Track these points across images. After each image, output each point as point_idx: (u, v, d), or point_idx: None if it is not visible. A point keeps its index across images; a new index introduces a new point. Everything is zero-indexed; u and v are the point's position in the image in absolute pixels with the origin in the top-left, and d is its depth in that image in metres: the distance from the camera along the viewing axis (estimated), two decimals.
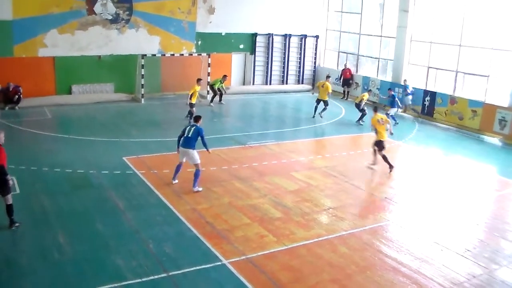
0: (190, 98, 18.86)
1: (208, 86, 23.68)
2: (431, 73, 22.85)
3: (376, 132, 14.79)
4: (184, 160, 12.70)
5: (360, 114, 20.76)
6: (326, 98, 20.93)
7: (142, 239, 9.89)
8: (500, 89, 19.99)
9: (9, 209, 9.90)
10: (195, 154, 12.47)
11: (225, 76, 23.36)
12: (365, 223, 11.17)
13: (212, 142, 16.67)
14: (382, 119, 14.91)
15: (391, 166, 14.61)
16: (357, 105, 20.84)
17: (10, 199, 9.86)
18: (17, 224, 9.95)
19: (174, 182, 12.89)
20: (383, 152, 14.57)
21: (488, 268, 9.49)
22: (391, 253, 9.86)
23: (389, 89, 21.58)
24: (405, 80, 23.09)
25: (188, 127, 12.71)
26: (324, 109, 21.09)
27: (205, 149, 12.75)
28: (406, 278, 8.93)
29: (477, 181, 14.81)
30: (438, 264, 9.48)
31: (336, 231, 10.70)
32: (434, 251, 10.00)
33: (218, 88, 23.17)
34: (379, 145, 14.62)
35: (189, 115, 18.78)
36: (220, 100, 23.44)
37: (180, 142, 12.56)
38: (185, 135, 12.49)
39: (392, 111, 20.70)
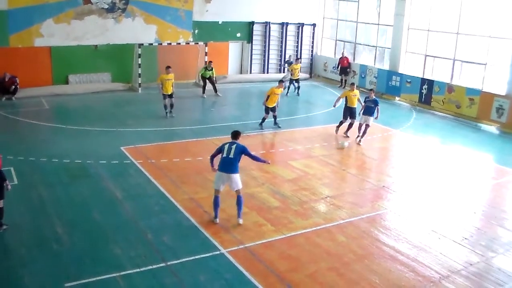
0: (162, 89, 18.06)
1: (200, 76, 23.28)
2: (428, 61, 22.78)
3: (268, 99, 17.07)
4: (222, 188, 10.20)
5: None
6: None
7: (140, 229, 9.90)
8: (497, 77, 19.95)
9: (0, 212, 9.63)
10: (239, 178, 10.17)
11: (210, 62, 22.52)
12: (363, 212, 11.19)
13: (208, 131, 16.86)
14: (278, 94, 17.31)
15: (262, 122, 17.48)
16: (351, 109, 17.31)
17: (1, 203, 9.55)
18: (4, 227, 9.62)
19: (216, 221, 10.22)
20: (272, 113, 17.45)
21: (485, 256, 9.54)
22: (388, 241, 9.89)
23: (371, 90, 17.74)
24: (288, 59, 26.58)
25: (227, 145, 10.16)
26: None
27: (263, 162, 10.94)
28: (403, 266, 8.98)
29: (474, 169, 14.82)
30: (436, 252, 9.52)
31: (334, 219, 10.73)
32: (431, 239, 10.04)
33: (209, 77, 22.36)
34: (266, 109, 17.32)
35: (169, 108, 18.54)
36: (215, 91, 22.69)
37: (219, 165, 10.15)
38: (223, 156, 10.10)
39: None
